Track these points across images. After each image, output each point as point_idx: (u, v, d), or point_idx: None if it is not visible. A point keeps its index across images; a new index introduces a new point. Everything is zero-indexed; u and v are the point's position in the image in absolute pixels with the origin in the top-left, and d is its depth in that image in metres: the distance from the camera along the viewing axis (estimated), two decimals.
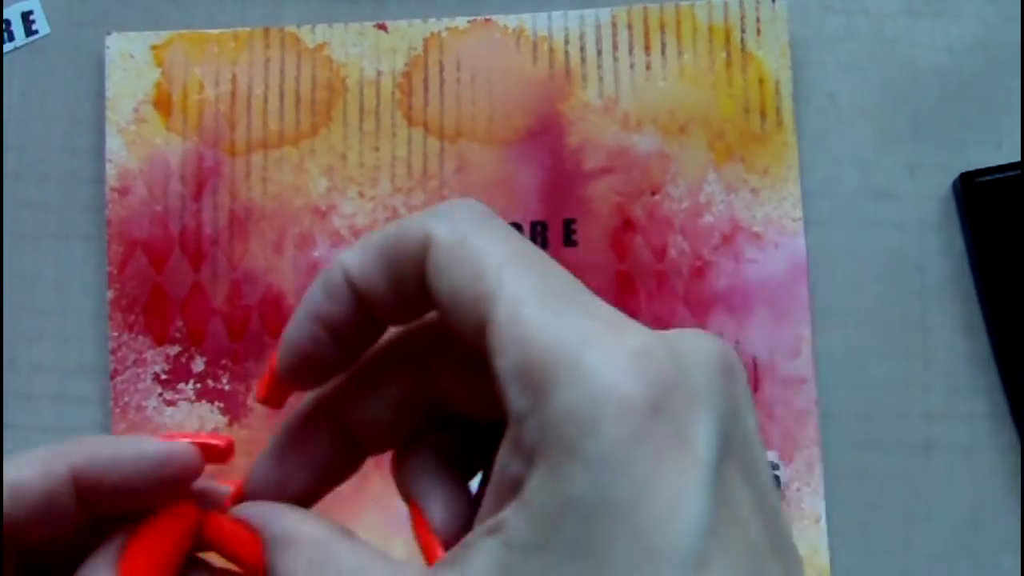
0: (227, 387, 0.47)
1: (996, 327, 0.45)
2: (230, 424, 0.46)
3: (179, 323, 0.47)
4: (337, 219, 0.47)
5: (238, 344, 0.47)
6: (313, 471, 0.27)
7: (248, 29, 0.48)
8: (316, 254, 0.47)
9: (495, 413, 0.21)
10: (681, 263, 0.47)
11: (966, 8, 0.48)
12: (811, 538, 0.45)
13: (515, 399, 0.20)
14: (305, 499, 0.27)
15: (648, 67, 0.48)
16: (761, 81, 0.47)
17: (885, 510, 0.45)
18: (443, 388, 0.25)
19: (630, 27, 0.48)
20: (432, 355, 0.25)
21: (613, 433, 0.19)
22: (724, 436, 0.20)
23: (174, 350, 0.47)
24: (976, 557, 0.45)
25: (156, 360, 0.47)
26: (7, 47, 0.49)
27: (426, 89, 0.48)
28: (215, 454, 0.26)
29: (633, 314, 0.47)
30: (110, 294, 0.47)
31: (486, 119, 0.48)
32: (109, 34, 0.48)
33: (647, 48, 0.48)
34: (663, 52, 0.48)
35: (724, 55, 0.47)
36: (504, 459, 0.21)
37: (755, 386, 0.46)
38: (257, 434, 0.46)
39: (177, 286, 0.47)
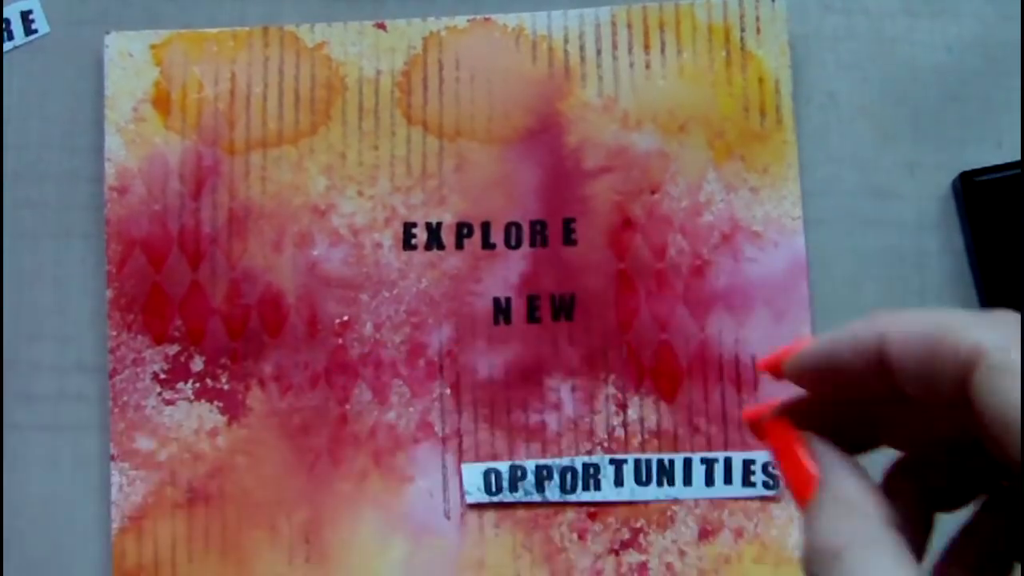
0: (226, 386, 0.47)
1: None
2: (229, 424, 0.46)
3: (178, 322, 0.47)
4: (336, 218, 0.47)
5: (237, 343, 0.47)
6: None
7: (247, 28, 0.48)
8: (315, 253, 0.47)
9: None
10: (681, 262, 0.47)
11: (965, 7, 0.48)
12: None
13: None
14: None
15: (648, 66, 0.48)
16: (761, 80, 0.47)
17: None
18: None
19: (629, 26, 0.48)
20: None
21: None
22: None
23: (173, 349, 0.47)
24: None
25: (155, 359, 0.47)
26: (6, 46, 0.49)
27: (425, 88, 0.48)
28: None
29: (633, 313, 0.47)
30: (109, 293, 0.47)
31: (485, 118, 0.48)
32: (108, 33, 0.48)
33: (647, 47, 0.48)
34: (663, 51, 0.48)
35: (724, 54, 0.47)
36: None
37: (754, 385, 0.46)
38: (256, 433, 0.46)
39: (176, 285, 0.47)
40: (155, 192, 0.47)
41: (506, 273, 0.47)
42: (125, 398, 0.46)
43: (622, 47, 0.48)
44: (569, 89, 0.48)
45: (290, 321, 0.47)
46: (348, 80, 0.48)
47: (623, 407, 0.46)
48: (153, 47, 0.48)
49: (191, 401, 0.47)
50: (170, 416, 0.46)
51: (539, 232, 0.47)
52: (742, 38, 0.47)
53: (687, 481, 0.46)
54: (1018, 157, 0.47)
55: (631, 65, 0.48)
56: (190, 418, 0.46)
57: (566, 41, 0.48)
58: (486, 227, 0.47)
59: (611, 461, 0.46)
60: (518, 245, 0.47)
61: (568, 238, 0.47)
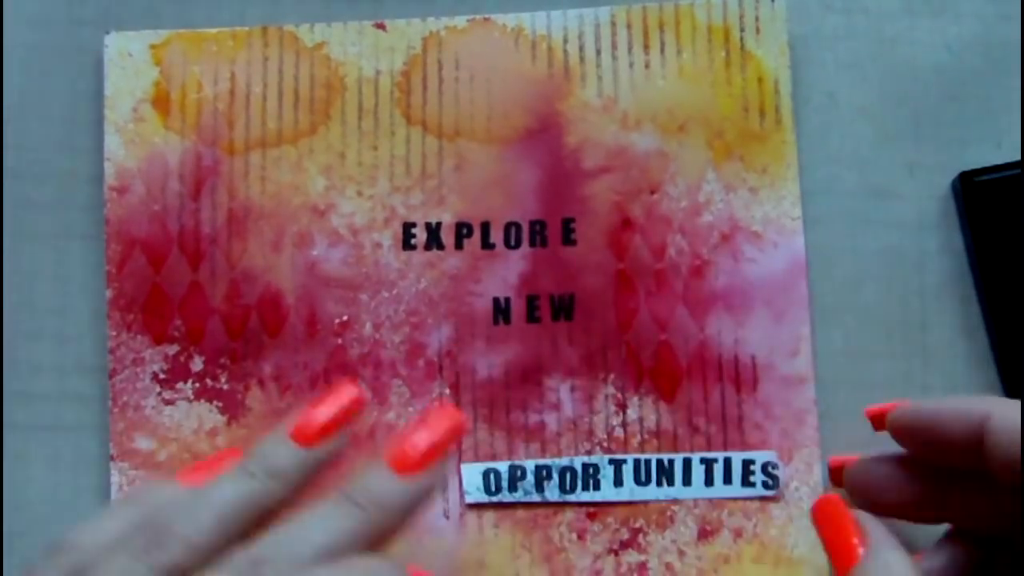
0: (225, 386, 0.47)
1: (995, 326, 0.45)
2: (228, 424, 0.46)
3: (177, 322, 0.47)
4: (335, 218, 0.47)
5: (237, 343, 0.47)
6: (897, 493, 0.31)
7: (247, 28, 0.48)
8: (314, 253, 0.47)
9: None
10: (680, 262, 0.47)
11: (966, 7, 0.48)
12: (811, 538, 0.45)
13: None
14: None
15: (647, 66, 0.48)
16: (760, 80, 0.47)
17: None
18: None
19: (629, 26, 0.48)
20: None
21: None
22: None
23: (172, 349, 0.47)
24: None
25: (155, 359, 0.47)
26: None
27: (425, 88, 0.48)
28: None
29: (632, 313, 0.47)
30: (108, 293, 0.47)
31: (485, 118, 0.48)
32: (108, 33, 0.48)
33: (646, 47, 0.48)
34: (662, 51, 0.48)
35: (723, 54, 0.47)
36: None
37: (753, 385, 0.46)
38: (255, 433, 0.46)
39: (176, 285, 0.47)
40: (155, 192, 0.47)
41: (505, 273, 0.47)
42: (125, 398, 0.46)
43: (622, 47, 0.48)
44: (569, 89, 0.48)
45: (289, 321, 0.47)
46: (347, 80, 0.48)
47: (622, 407, 0.46)
48: (153, 47, 0.48)
49: (191, 401, 0.47)
50: (170, 416, 0.47)
51: (538, 232, 0.47)
52: (742, 38, 0.47)
53: (686, 481, 0.46)
54: (1018, 157, 0.47)
55: (631, 65, 0.48)
56: (190, 418, 0.47)
57: (566, 41, 0.48)
58: (485, 227, 0.47)
59: (610, 461, 0.46)
60: (517, 245, 0.47)
61: (567, 238, 0.47)
